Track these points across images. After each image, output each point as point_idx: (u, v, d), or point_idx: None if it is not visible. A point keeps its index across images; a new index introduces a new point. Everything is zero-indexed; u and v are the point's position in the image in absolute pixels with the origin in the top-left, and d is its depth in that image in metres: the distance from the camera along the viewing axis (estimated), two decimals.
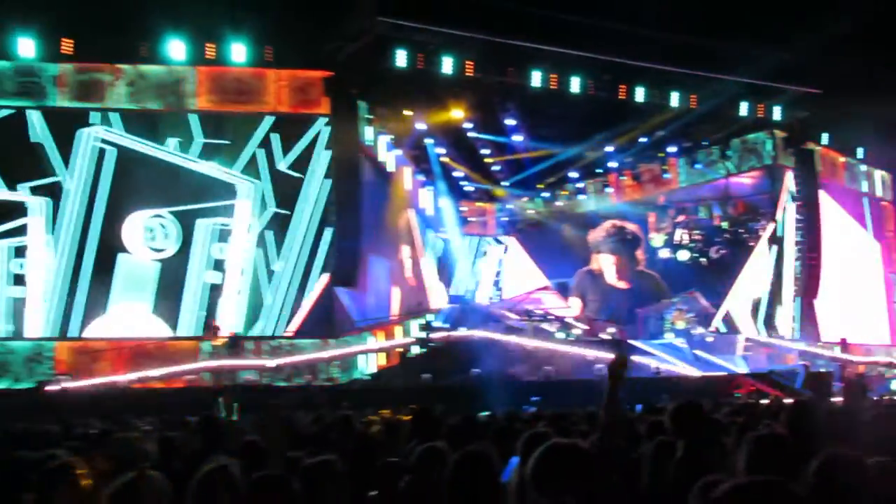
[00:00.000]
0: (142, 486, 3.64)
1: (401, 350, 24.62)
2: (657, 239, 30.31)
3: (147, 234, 21.82)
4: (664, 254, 30.06)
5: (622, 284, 30.30)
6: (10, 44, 20.91)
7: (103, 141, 21.74)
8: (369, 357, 23.30)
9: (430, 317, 27.79)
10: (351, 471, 4.68)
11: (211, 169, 22.08)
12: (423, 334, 25.34)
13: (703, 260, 29.07)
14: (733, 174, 27.91)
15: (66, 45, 20.96)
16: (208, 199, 22.02)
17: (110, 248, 21.59)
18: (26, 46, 20.89)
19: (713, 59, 22.47)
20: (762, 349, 25.96)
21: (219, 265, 22.05)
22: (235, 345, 20.47)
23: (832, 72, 22.33)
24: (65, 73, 21.59)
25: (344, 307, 22.20)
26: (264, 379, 20.80)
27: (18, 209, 21.51)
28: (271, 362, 21.31)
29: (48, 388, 19.65)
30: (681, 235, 29.57)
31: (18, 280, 21.52)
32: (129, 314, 21.61)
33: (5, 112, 21.47)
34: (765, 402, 13.86)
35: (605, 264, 30.44)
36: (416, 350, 24.36)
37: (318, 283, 22.14)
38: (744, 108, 24.88)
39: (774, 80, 24.09)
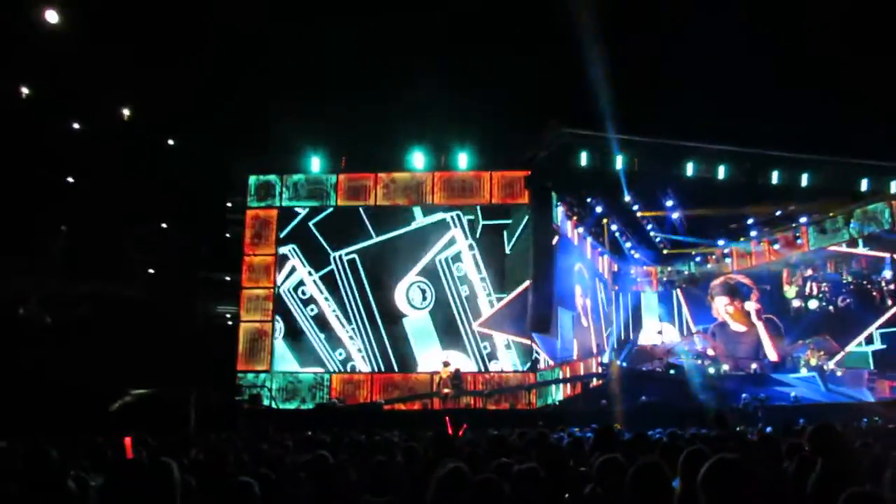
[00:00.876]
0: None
1: (582, 381, 24.30)
2: (790, 291, 28.61)
3: (410, 297, 22.35)
4: (796, 303, 28.34)
5: (742, 328, 29.33)
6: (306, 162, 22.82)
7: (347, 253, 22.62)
8: (559, 387, 23.05)
9: (604, 356, 27.41)
10: (546, 477, 4.64)
11: (424, 220, 22.56)
12: (600, 369, 24.97)
13: (830, 308, 27.22)
14: (855, 237, 26.11)
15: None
16: (433, 241, 22.46)
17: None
18: (315, 163, 22.82)
19: (837, 144, 21.24)
20: (885, 382, 24.02)
21: (463, 280, 22.26)
22: (458, 377, 20.68)
23: None
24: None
25: (540, 348, 22.09)
26: (479, 404, 20.89)
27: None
28: (485, 391, 21.43)
29: (325, 407, 20.57)
30: (810, 287, 27.94)
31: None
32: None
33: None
34: None
35: (720, 305, 30.00)
36: (594, 381, 24.01)
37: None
38: (864, 184, 23.26)
39: (889, 160, 22.44)
